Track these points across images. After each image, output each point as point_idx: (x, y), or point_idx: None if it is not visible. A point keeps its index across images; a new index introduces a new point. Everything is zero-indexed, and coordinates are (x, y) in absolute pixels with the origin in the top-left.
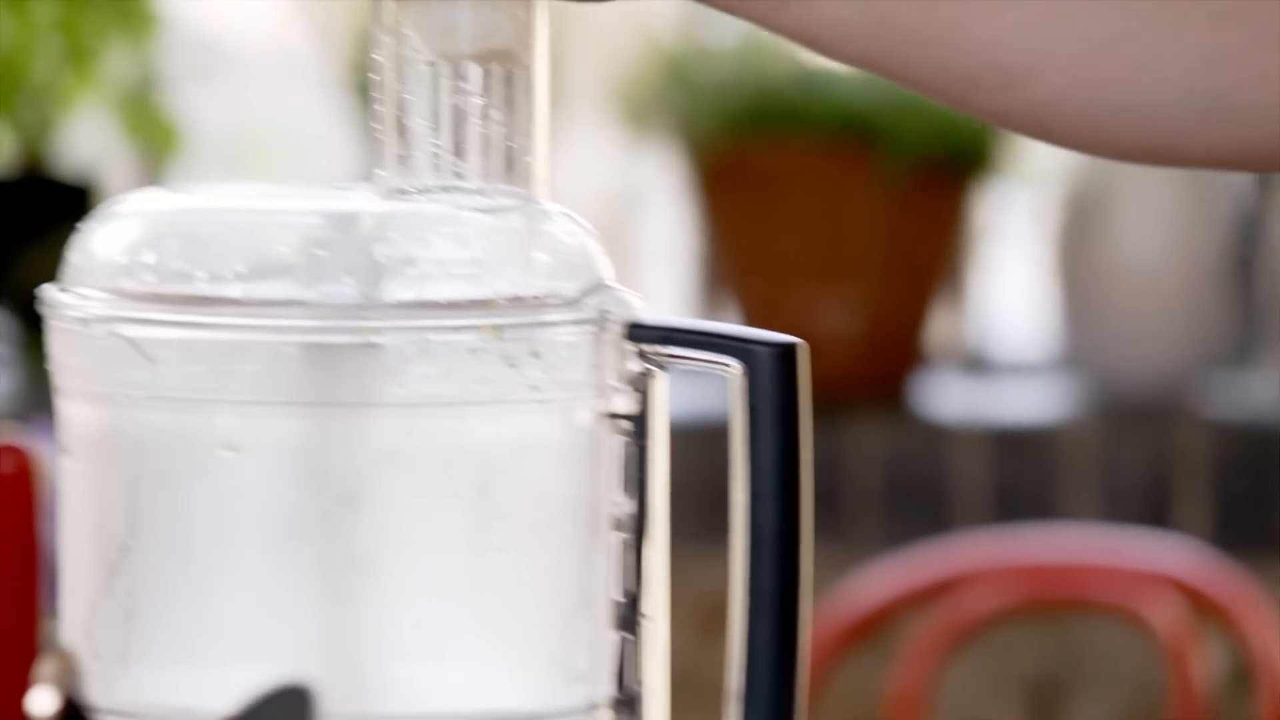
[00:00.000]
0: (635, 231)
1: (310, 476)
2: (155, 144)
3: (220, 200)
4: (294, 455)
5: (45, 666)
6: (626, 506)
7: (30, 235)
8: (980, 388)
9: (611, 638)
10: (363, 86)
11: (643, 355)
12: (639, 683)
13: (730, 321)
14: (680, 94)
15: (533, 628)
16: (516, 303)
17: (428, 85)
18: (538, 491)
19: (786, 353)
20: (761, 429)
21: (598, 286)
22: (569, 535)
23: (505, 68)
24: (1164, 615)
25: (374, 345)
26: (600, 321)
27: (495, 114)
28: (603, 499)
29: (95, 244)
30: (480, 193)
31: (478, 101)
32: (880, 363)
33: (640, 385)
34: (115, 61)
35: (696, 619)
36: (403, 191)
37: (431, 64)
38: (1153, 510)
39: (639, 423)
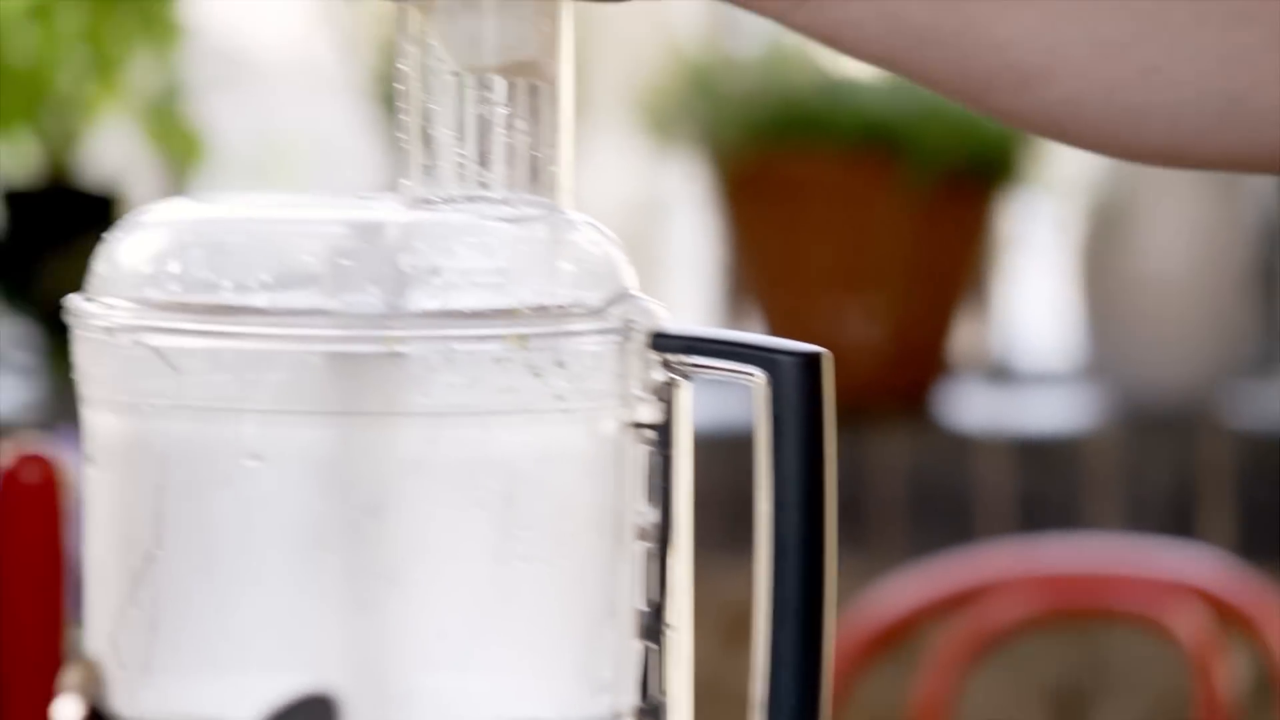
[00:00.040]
0: (660, 241)
1: (335, 486)
2: (180, 154)
3: (245, 210)
4: (319, 464)
5: (70, 675)
6: (651, 516)
7: (55, 245)
8: (1004, 397)
9: (636, 647)
10: (388, 96)
11: (667, 365)
12: (663, 692)
13: (754, 331)
14: (705, 103)
15: (557, 637)
16: (541, 312)
17: (453, 95)
18: (562, 501)
19: (811, 362)
20: (786, 438)
21: (622, 296)
22: (593, 545)
23: (530, 80)
24: (1188, 625)
25: (399, 355)
26: (625, 331)
27: (520, 124)
28: (627, 508)
29: (120, 253)
30: (505, 202)
31: (503, 111)
32: (904, 372)
33: (665, 395)
34: (140, 71)
35: (720, 628)
36: (428, 201)
37: (456, 74)
38: (1177, 520)
39: (663, 432)
